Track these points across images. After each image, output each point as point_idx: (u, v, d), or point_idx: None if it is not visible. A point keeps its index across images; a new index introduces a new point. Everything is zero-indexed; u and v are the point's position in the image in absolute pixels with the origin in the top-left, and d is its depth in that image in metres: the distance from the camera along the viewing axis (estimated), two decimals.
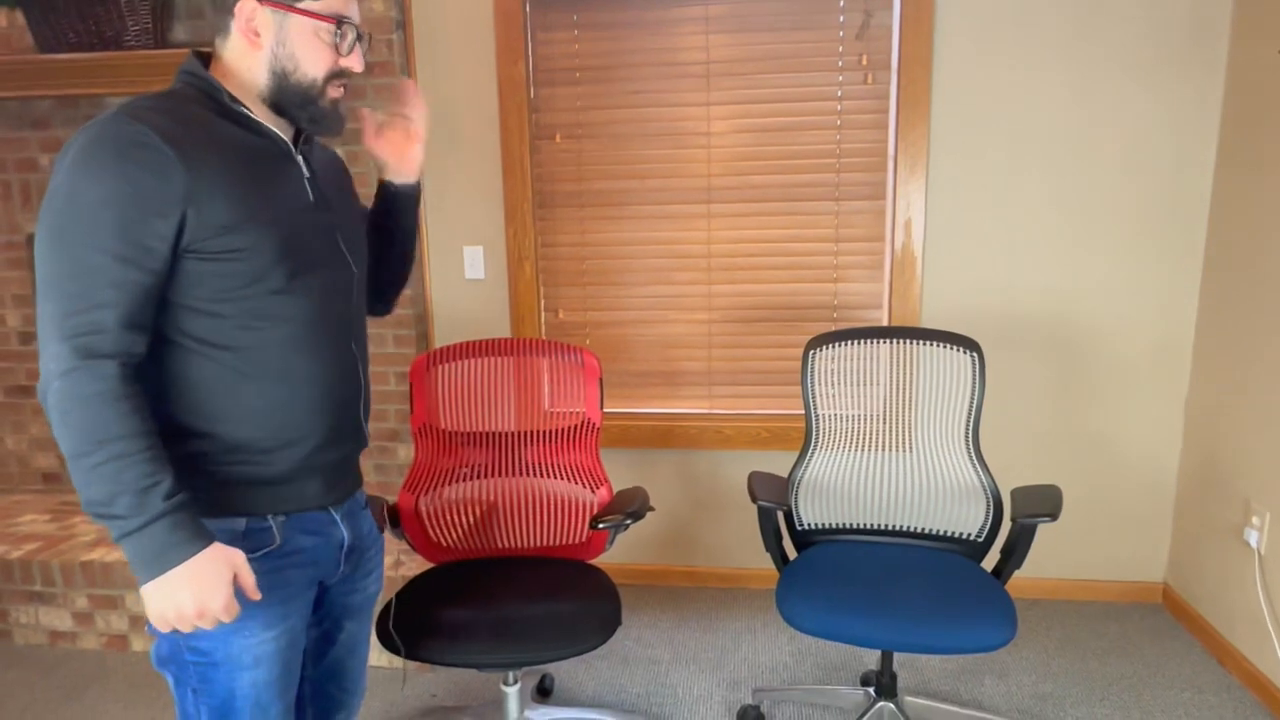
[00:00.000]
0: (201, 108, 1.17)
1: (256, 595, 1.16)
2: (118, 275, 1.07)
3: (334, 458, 1.31)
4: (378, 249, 1.51)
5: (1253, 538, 2.27)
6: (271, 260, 1.16)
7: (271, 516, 1.24)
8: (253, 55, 1.18)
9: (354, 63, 1.23)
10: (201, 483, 1.19)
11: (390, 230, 1.51)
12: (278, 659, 1.25)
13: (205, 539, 1.10)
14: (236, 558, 1.14)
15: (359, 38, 1.23)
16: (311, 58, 1.19)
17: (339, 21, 1.19)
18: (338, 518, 1.34)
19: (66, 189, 1.06)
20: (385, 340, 2.82)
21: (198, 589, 1.09)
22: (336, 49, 1.20)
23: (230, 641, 1.21)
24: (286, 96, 1.20)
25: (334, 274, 1.28)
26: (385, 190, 1.48)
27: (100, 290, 1.06)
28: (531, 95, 2.76)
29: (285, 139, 1.24)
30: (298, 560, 1.27)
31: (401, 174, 1.46)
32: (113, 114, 1.08)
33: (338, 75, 1.22)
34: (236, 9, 1.16)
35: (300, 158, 1.26)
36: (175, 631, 1.14)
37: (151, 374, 1.16)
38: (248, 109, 1.20)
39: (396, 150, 1.45)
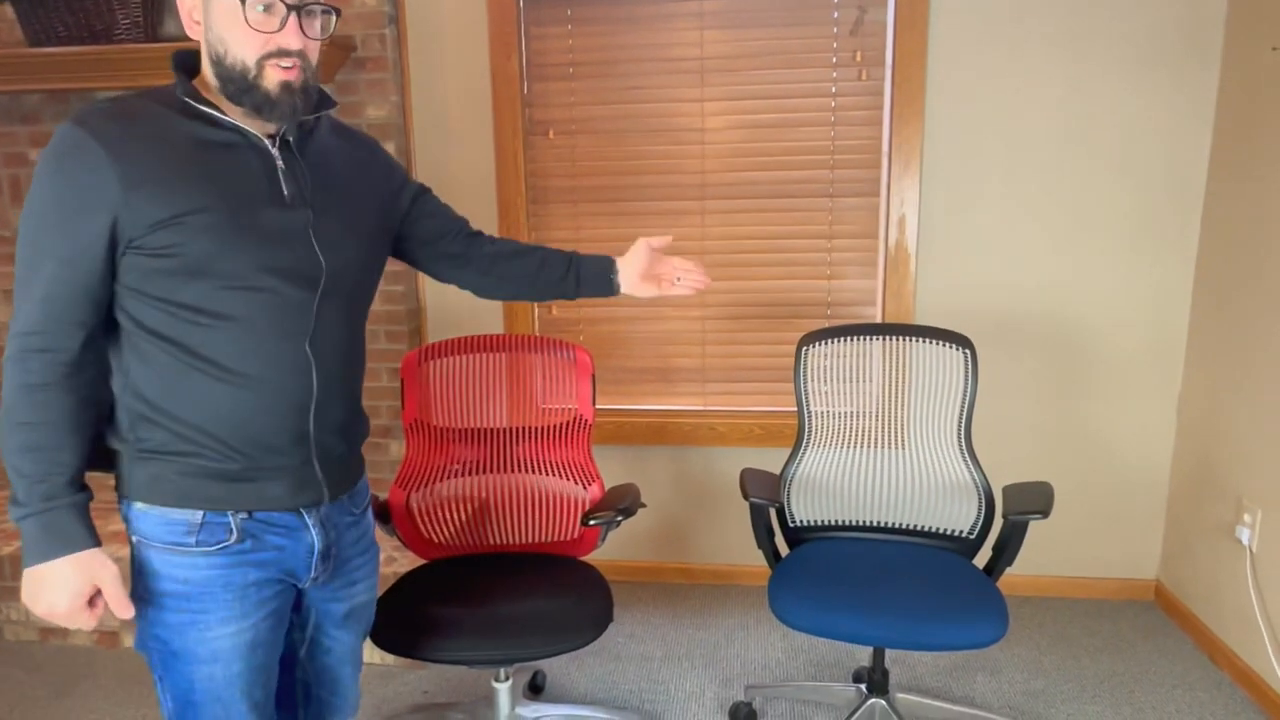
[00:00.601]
0: (162, 105, 1.16)
1: (124, 614, 1.17)
2: (51, 273, 1.12)
3: (298, 460, 1.26)
4: (541, 272, 1.59)
5: (1244, 535, 2.28)
6: (213, 256, 1.14)
7: (231, 513, 1.22)
8: (200, 44, 1.18)
9: (287, 39, 1.14)
10: (162, 471, 1.20)
11: (565, 285, 1.59)
12: (238, 655, 1.25)
13: (75, 546, 1.14)
14: (103, 573, 1.16)
15: (296, 10, 1.14)
16: (237, 38, 1.13)
17: None
18: (309, 521, 1.30)
19: (27, 196, 1.12)
20: (377, 336, 2.81)
21: (50, 591, 1.14)
22: (249, 24, 1.12)
23: (185, 633, 1.23)
24: (226, 84, 1.16)
25: (300, 272, 1.22)
26: (606, 272, 1.58)
27: (36, 287, 1.13)
28: (525, 90, 2.75)
29: (254, 131, 1.20)
30: (262, 560, 1.25)
31: (630, 286, 1.58)
32: (66, 121, 1.12)
33: (273, 55, 1.14)
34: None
35: (276, 150, 1.21)
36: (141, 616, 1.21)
37: (115, 363, 1.21)
38: (205, 102, 1.17)
39: (653, 278, 1.57)
